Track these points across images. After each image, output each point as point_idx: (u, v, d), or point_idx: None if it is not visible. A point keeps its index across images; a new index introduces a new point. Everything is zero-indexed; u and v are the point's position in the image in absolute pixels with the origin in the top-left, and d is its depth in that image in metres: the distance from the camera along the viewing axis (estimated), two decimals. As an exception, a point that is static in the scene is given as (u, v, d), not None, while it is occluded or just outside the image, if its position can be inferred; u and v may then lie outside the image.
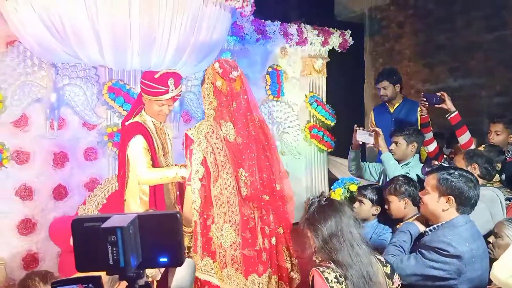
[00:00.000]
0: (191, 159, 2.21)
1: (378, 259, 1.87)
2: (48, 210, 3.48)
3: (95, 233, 0.95)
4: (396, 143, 3.17)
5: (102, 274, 1.07)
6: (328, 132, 4.87)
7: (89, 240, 0.97)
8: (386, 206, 2.67)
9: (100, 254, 0.93)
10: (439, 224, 1.98)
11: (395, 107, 3.90)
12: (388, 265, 1.88)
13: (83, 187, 3.62)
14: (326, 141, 4.84)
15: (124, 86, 3.61)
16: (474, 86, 5.08)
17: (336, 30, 4.74)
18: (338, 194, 3.47)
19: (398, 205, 2.59)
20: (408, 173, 3.00)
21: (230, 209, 2.19)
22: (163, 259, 1.01)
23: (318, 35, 4.59)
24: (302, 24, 4.50)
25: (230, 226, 2.18)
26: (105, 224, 0.94)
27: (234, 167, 2.20)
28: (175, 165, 2.64)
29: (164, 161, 2.74)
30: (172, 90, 2.60)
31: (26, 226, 3.40)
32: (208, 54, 3.45)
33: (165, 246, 1.01)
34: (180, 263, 1.03)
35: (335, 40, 4.74)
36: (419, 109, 3.50)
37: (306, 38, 4.52)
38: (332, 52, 4.87)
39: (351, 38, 4.85)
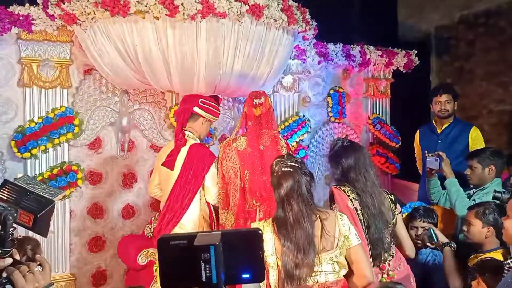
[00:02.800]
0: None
1: (384, 191, 2.39)
2: (117, 229, 3.64)
3: (181, 251, 0.99)
4: (471, 167, 2.98)
5: None
6: (392, 155, 4.71)
7: (175, 258, 1.00)
8: (464, 228, 2.52)
9: (189, 271, 0.96)
10: None
11: (443, 127, 3.61)
12: (392, 195, 2.42)
13: (149, 206, 3.75)
14: (391, 164, 4.67)
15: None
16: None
17: (400, 51, 4.62)
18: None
19: (480, 230, 2.44)
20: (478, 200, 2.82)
21: (233, 201, 2.76)
22: (246, 275, 1.02)
23: (381, 56, 4.49)
24: (365, 45, 4.44)
25: (232, 212, 2.76)
26: (198, 242, 0.97)
27: (241, 169, 2.76)
28: None
29: None
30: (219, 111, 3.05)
31: (96, 244, 3.57)
32: (271, 78, 3.49)
33: (247, 263, 1.02)
34: (262, 279, 1.04)
35: (400, 60, 4.61)
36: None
37: (369, 59, 4.44)
38: (396, 72, 4.75)
39: (416, 58, 4.70)
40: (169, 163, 2.85)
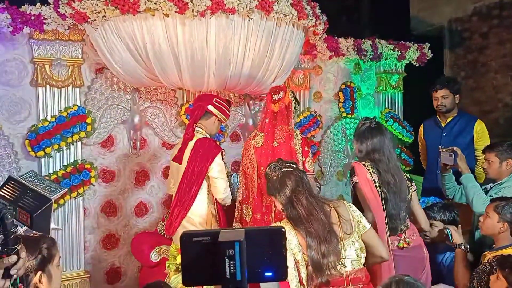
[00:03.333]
0: None
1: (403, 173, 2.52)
2: (130, 226, 3.66)
3: (204, 247, 0.98)
4: (488, 161, 2.92)
5: None
6: (405, 150, 4.66)
7: (198, 254, 0.99)
8: (481, 219, 2.49)
9: (213, 268, 0.95)
10: None
11: (447, 121, 3.56)
12: (408, 173, 2.50)
13: (161, 204, 3.77)
14: (404, 159, 4.62)
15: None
16: None
17: (413, 44, 4.56)
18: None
19: (494, 224, 2.41)
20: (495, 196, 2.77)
21: (251, 196, 2.85)
22: (268, 274, 1.01)
23: (394, 50, 4.44)
24: (376, 39, 4.39)
25: (250, 206, 2.85)
26: (222, 238, 0.95)
27: (258, 165, 2.82)
28: None
29: None
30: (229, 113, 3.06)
31: (110, 241, 3.60)
32: (281, 74, 3.47)
33: (270, 261, 1.01)
34: (284, 278, 1.03)
35: (412, 54, 4.55)
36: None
37: (381, 53, 4.39)
38: (409, 66, 4.69)
39: (429, 51, 4.63)
40: (177, 157, 2.89)
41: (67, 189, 2.40)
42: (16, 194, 1.41)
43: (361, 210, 2.27)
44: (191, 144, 2.84)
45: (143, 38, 2.95)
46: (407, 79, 4.75)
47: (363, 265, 2.07)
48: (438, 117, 3.69)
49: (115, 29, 2.98)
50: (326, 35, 4.02)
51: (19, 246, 1.17)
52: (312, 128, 4.22)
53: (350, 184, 2.50)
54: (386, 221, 2.36)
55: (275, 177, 2.10)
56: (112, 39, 3.03)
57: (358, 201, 2.43)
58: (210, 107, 2.90)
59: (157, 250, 3.21)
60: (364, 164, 2.41)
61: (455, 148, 3.04)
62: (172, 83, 3.25)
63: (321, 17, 3.47)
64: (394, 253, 2.36)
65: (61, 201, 3.29)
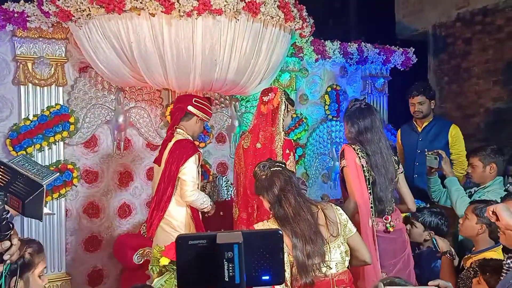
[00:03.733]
0: None
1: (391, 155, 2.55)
2: (113, 228, 3.62)
3: (201, 251, 0.95)
4: (472, 165, 2.96)
5: None
6: (390, 153, 4.70)
7: (194, 257, 0.96)
8: (460, 221, 2.51)
9: (211, 272, 0.93)
10: None
11: (423, 126, 3.61)
12: (396, 156, 2.57)
13: (145, 205, 3.73)
14: (388, 163, 4.66)
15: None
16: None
17: (398, 48, 4.61)
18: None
19: (473, 226, 2.41)
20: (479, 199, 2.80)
21: (239, 195, 2.92)
22: (265, 277, 0.99)
23: (379, 54, 4.48)
24: (362, 43, 4.43)
25: (237, 206, 2.92)
26: (221, 241, 0.92)
27: (245, 166, 2.87)
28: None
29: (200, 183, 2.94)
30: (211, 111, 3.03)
31: (93, 243, 3.55)
32: (268, 76, 3.47)
33: (267, 264, 0.99)
34: (282, 281, 1.01)
35: (397, 58, 4.60)
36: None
37: (366, 57, 4.43)
38: (394, 70, 4.74)
39: (414, 55, 4.69)
40: (157, 159, 2.90)
41: (58, 173, 2.36)
42: (6, 180, 1.37)
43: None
44: (169, 145, 2.83)
45: (129, 37, 2.91)
46: (392, 83, 4.80)
47: (347, 267, 2.08)
48: (415, 122, 3.73)
49: (100, 27, 2.94)
50: (313, 38, 4.04)
51: (12, 232, 1.16)
52: (298, 130, 4.23)
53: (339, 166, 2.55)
54: (372, 205, 2.40)
55: (263, 176, 2.08)
56: (96, 38, 2.99)
57: (345, 185, 2.49)
58: (190, 108, 2.89)
59: (140, 252, 3.17)
60: (354, 148, 2.43)
61: (440, 151, 3.08)
62: (158, 83, 3.22)
63: (308, 20, 3.48)
64: (378, 235, 2.43)
65: (43, 202, 3.23)
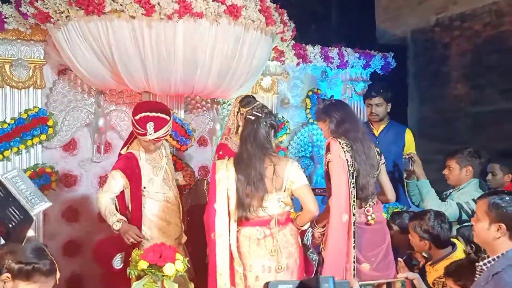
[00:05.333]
0: None
1: (372, 143, 2.66)
2: (92, 233, 3.56)
3: None
4: (448, 167, 3.00)
5: None
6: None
7: None
8: (410, 236, 2.55)
9: None
10: (494, 257, 1.78)
11: (380, 129, 3.60)
12: (377, 147, 2.65)
13: (126, 210, 3.69)
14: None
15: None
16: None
17: (378, 53, 4.67)
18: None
19: (418, 244, 2.48)
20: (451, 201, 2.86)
21: None
22: None
23: (359, 58, 4.53)
24: (343, 47, 4.47)
25: None
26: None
27: None
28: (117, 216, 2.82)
29: (163, 185, 2.91)
30: (151, 134, 2.69)
31: (72, 248, 3.49)
32: (249, 79, 3.48)
33: None
34: None
35: (377, 62, 4.66)
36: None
37: (347, 61, 4.47)
38: (374, 74, 4.80)
39: (393, 60, 4.76)
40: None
41: (51, 203, 2.27)
42: None
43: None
44: None
45: (109, 40, 2.89)
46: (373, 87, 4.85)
47: (286, 210, 2.43)
48: (371, 125, 3.73)
49: (79, 29, 2.91)
50: (294, 42, 4.07)
51: None
52: (279, 134, 4.24)
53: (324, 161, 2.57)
54: (353, 195, 2.45)
55: (245, 118, 2.50)
56: (76, 40, 2.96)
57: (329, 179, 2.52)
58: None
59: (120, 256, 3.13)
60: (339, 142, 2.47)
61: (412, 154, 3.13)
62: (138, 86, 3.20)
63: (289, 24, 3.51)
64: (360, 226, 2.48)
65: (20, 206, 3.17)
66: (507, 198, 1.77)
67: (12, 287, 1.62)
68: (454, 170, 2.97)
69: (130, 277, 2.30)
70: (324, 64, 4.39)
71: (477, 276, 1.83)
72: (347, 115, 2.59)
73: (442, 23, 5.66)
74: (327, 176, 2.56)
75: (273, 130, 2.49)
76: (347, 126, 2.53)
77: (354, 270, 2.42)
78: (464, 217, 2.85)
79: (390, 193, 2.69)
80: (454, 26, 5.53)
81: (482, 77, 5.24)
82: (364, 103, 3.61)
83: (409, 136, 3.65)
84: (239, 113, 2.98)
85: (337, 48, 4.43)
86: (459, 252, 2.43)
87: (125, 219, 2.79)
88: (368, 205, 2.54)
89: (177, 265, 2.18)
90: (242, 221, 2.38)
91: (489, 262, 1.79)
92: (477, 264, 1.86)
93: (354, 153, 2.47)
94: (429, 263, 2.50)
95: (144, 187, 2.85)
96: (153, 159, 2.93)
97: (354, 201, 2.44)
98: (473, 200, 2.82)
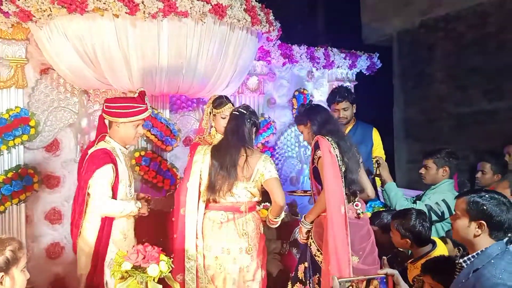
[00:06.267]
0: None
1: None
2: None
3: None
4: (425, 167, 3.04)
5: None
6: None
7: None
8: (391, 234, 2.58)
9: None
10: (474, 254, 1.78)
11: (347, 130, 3.57)
12: (356, 146, 2.72)
13: (111, 211, 3.64)
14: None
15: (151, 111, 3.66)
16: (510, 109, 4.90)
17: (363, 53, 4.70)
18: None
19: (400, 242, 2.53)
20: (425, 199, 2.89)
21: None
22: None
23: (345, 58, 4.55)
24: (329, 47, 4.49)
25: None
26: None
27: None
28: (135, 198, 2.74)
29: (128, 191, 2.71)
30: (150, 106, 2.78)
31: (55, 250, 3.44)
32: (235, 79, 3.47)
33: None
34: None
35: (363, 63, 4.69)
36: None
37: (333, 61, 4.49)
38: (360, 75, 4.82)
39: (379, 60, 4.79)
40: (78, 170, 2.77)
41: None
42: None
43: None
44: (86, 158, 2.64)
45: (92, 39, 2.85)
46: (358, 87, 4.88)
47: (253, 200, 2.64)
48: None
49: (61, 28, 2.87)
50: (280, 42, 4.07)
51: None
52: (266, 134, 4.24)
53: (315, 159, 2.54)
54: (347, 189, 2.51)
55: (241, 113, 2.64)
56: (58, 39, 2.91)
57: (318, 176, 2.54)
58: (104, 115, 2.65)
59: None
60: (327, 139, 2.52)
61: (378, 157, 3.16)
62: (122, 86, 3.16)
63: (274, 24, 3.50)
64: (349, 220, 2.49)
65: (1, 208, 3.12)
66: (487, 195, 1.79)
67: (10, 278, 1.72)
68: (431, 169, 3.00)
69: (114, 278, 2.27)
70: (310, 64, 4.40)
71: (457, 273, 1.85)
72: (328, 117, 2.68)
73: (427, 25, 5.73)
74: (315, 173, 2.57)
75: (255, 128, 2.69)
76: (329, 127, 2.60)
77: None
78: (434, 218, 2.88)
79: (370, 190, 2.74)
80: (438, 28, 5.60)
81: (466, 78, 5.31)
82: (329, 107, 3.57)
83: (376, 136, 3.66)
84: (211, 114, 2.97)
85: (323, 48, 4.45)
86: (439, 251, 2.45)
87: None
88: (356, 199, 2.59)
89: (161, 266, 2.15)
90: (209, 203, 2.63)
91: (468, 259, 1.80)
92: (457, 261, 1.88)
93: (342, 150, 2.53)
94: (409, 261, 2.52)
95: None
96: (127, 167, 2.76)
97: (346, 195, 2.49)
98: (443, 200, 2.85)
